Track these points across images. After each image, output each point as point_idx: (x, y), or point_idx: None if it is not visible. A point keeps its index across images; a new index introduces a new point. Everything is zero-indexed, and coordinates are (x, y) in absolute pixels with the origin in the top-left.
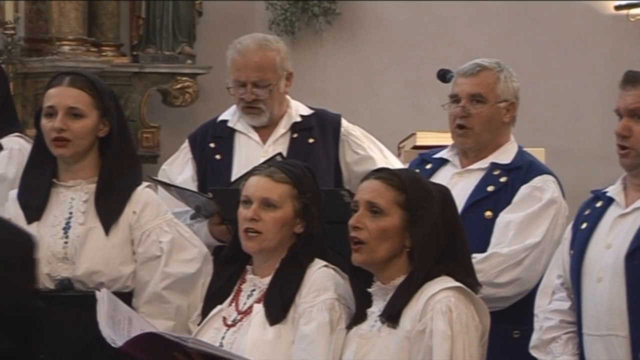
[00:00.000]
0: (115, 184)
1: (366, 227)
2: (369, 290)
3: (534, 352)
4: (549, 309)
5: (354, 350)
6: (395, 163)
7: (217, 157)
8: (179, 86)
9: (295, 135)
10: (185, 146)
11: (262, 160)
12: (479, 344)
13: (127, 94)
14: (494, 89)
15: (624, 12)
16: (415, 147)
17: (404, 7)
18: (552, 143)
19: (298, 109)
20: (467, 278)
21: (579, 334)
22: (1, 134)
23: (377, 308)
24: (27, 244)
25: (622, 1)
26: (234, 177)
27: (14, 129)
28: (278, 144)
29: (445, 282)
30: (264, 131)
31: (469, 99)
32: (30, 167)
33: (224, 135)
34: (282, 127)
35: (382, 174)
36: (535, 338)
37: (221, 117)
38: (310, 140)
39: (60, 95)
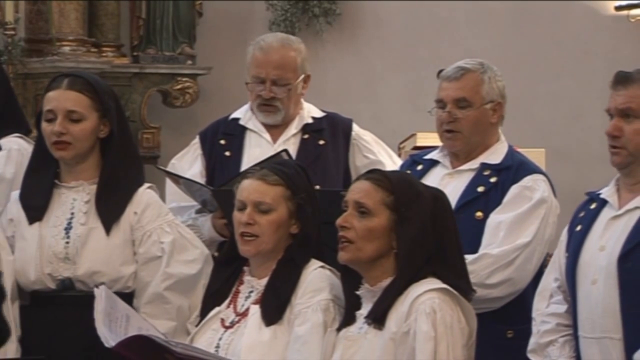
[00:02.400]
0: (117, 185)
1: (353, 227)
2: (357, 292)
3: (531, 356)
4: (546, 312)
5: (340, 353)
6: None
7: (227, 154)
8: (179, 87)
9: (306, 136)
10: (196, 142)
11: None
12: (465, 346)
13: (127, 95)
14: (479, 91)
15: (624, 12)
16: (416, 148)
17: (404, 8)
18: (552, 143)
19: (310, 111)
20: (458, 281)
21: (575, 336)
22: (2, 135)
23: (365, 310)
24: None
25: (622, 2)
26: None
27: (18, 130)
28: (289, 143)
29: (432, 283)
30: (275, 130)
31: (454, 103)
32: (33, 168)
33: (235, 133)
34: (294, 128)
35: (372, 174)
36: (532, 342)
37: (233, 115)
38: (321, 142)
39: (58, 99)
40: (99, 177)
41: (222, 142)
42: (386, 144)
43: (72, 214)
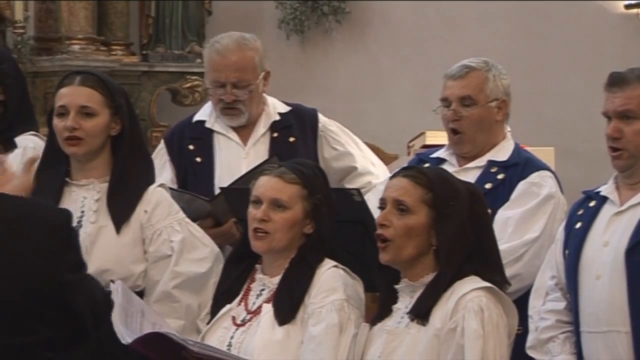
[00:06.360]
0: (127, 183)
1: (393, 225)
2: (396, 286)
3: (530, 352)
4: (543, 309)
5: (382, 346)
6: (372, 158)
7: (198, 159)
8: (188, 85)
9: (275, 135)
10: (162, 147)
11: (243, 161)
12: (508, 344)
13: (136, 93)
14: (483, 89)
15: (634, 11)
16: (425, 146)
17: (413, 7)
18: (561, 142)
19: (275, 107)
20: (495, 276)
21: (577, 332)
22: (18, 133)
23: (403, 305)
24: (59, 221)
25: (632, 0)
26: (216, 179)
27: (31, 128)
28: (259, 144)
29: (476, 282)
30: (244, 131)
31: (459, 101)
32: (43, 166)
33: (203, 137)
34: (262, 127)
35: (410, 171)
36: (531, 338)
37: (197, 117)
38: (291, 139)
39: (71, 95)
40: (110, 176)
41: (191, 147)
42: (395, 142)
43: (83, 212)
